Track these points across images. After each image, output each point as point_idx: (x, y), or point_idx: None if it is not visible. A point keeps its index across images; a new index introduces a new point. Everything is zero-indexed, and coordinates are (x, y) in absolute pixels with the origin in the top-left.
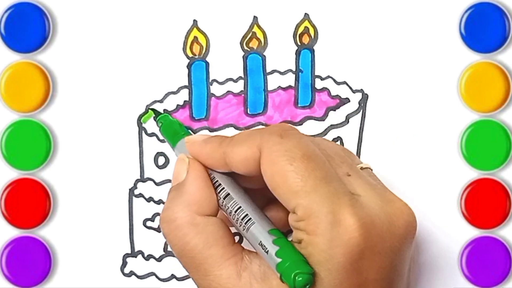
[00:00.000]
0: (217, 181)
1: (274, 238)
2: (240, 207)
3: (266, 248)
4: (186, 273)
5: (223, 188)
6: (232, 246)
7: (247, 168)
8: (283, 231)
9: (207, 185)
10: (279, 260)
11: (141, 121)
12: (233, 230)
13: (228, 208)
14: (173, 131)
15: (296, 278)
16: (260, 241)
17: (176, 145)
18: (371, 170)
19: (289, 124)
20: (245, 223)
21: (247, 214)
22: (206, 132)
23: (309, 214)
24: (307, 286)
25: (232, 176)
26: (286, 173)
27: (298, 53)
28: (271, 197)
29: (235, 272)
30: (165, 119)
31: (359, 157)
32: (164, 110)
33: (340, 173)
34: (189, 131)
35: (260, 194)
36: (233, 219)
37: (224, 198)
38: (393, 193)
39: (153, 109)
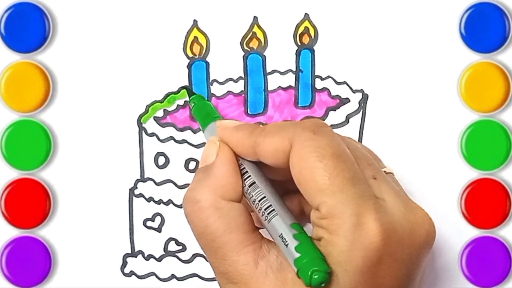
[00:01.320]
0: (244, 168)
1: (295, 233)
2: (264, 196)
3: (286, 241)
4: (186, 273)
5: (250, 176)
6: (252, 233)
7: (276, 159)
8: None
9: (235, 171)
10: (297, 255)
11: (141, 121)
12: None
13: (253, 196)
14: (205, 113)
15: (313, 275)
16: (281, 234)
17: (207, 127)
18: (394, 175)
19: (323, 121)
20: (268, 214)
21: (270, 205)
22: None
23: (333, 214)
24: (323, 285)
25: (258, 165)
26: (314, 169)
27: (298, 53)
28: (290, 190)
29: (252, 259)
30: (199, 99)
31: None
32: (164, 110)
33: (366, 176)
34: (221, 115)
35: (280, 185)
36: (256, 208)
37: (249, 186)
38: (415, 202)
39: (186, 88)
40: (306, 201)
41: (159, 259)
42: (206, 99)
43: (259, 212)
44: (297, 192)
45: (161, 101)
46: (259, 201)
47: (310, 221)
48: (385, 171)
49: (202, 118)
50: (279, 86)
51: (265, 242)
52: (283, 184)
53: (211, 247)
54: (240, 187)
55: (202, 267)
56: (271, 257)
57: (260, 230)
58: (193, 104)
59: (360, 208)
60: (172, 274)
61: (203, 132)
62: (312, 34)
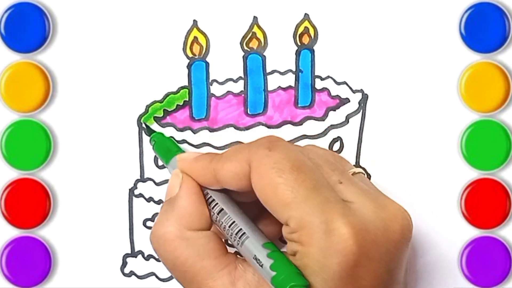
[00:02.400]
0: (210, 196)
1: (268, 252)
2: (233, 221)
3: (261, 262)
4: None
5: (217, 203)
6: (225, 256)
7: (238, 183)
8: (276, 243)
9: (199, 200)
10: (273, 273)
11: (141, 121)
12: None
13: (222, 223)
14: (166, 148)
15: None
16: (255, 255)
17: (169, 163)
18: (364, 174)
19: (276, 136)
20: (239, 238)
21: (241, 229)
22: (206, 132)
23: (302, 226)
24: None
25: (225, 191)
26: (276, 185)
27: (298, 53)
28: (263, 209)
29: (229, 282)
30: (158, 137)
31: (359, 157)
32: (164, 110)
33: (331, 181)
34: (182, 148)
35: (252, 207)
36: (227, 234)
37: (217, 214)
38: (387, 196)
39: (146, 126)
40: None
41: (159, 259)
42: (165, 135)
43: (231, 238)
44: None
45: (160, 101)
46: (229, 226)
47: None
48: (354, 172)
49: (163, 154)
50: (279, 86)
51: (239, 262)
52: (256, 206)
53: (185, 278)
54: (206, 216)
55: None
56: (247, 276)
57: (234, 251)
58: (153, 142)
59: (327, 215)
60: None
61: (167, 167)
62: (312, 34)
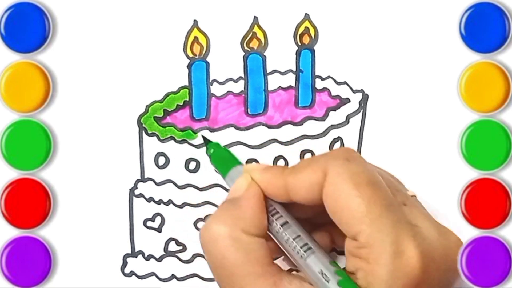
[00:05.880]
0: (274, 208)
1: (335, 269)
2: (299, 235)
3: (328, 278)
4: (186, 273)
5: (281, 215)
6: (272, 266)
7: (309, 194)
8: None
9: (261, 207)
10: None
11: (141, 121)
12: None
13: (286, 235)
14: (225, 159)
15: None
16: (321, 270)
17: (228, 173)
18: (417, 197)
19: (353, 148)
20: (305, 252)
21: (307, 243)
22: (206, 132)
23: (372, 243)
24: None
25: (285, 206)
26: (351, 197)
27: (298, 53)
28: (316, 227)
29: None
30: (217, 147)
31: None
32: (164, 110)
33: (398, 202)
34: (239, 159)
35: (305, 223)
36: (290, 247)
37: (281, 226)
38: (443, 225)
39: (203, 137)
40: (337, 233)
41: (159, 259)
42: (221, 145)
43: (294, 250)
44: (318, 228)
45: (161, 101)
46: (294, 239)
47: (345, 252)
48: (409, 195)
49: (222, 164)
50: (279, 86)
51: (285, 274)
52: (309, 222)
53: (228, 279)
54: (263, 224)
55: (202, 267)
56: None
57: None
58: (212, 151)
59: (398, 235)
60: (172, 274)
61: (224, 179)
62: (312, 34)
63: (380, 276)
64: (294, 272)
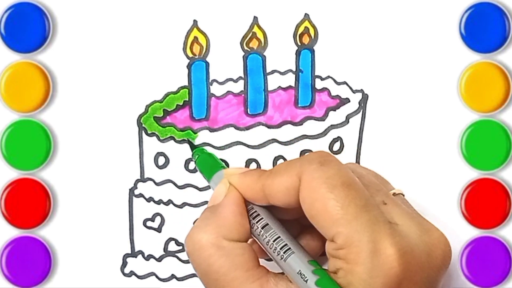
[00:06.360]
0: (255, 211)
1: (314, 268)
2: (279, 236)
3: (306, 277)
4: (186, 273)
5: (261, 218)
6: (258, 269)
7: (286, 198)
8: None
9: (241, 212)
10: None
11: (141, 121)
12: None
13: (266, 237)
14: (209, 164)
15: None
16: (299, 270)
17: (212, 178)
18: (403, 195)
19: (327, 152)
20: (284, 252)
21: (286, 244)
22: (206, 132)
23: (349, 243)
24: None
25: (267, 207)
26: (326, 200)
27: (298, 53)
28: (302, 228)
29: None
30: (201, 152)
31: (359, 157)
32: (164, 110)
33: (377, 202)
34: (223, 164)
35: (291, 225)
36: (271, 249)
37: (262, 228)
38: (428, 220)
39: (189, 141)
40: (319, 234)
41: (159, 259)
42: (206, 150)
43: (274, 252)
44: (308, 229)
45: (160, 101)
46: (274, 241)
47: (326, 253)
48: (394, 193)
49: (206, 169)
50: (279, 86)
51: (271, 276)
52: (295, 224)
53: (215, 286)
54: (245, 228)
55: None
56: None
57: (264, 265)
58: (197, 156)
59: (376, 234)
60: (172, 274)
61: (209, 183)
62: (312, 34)
63: (360, 275)
64: (282, 273)
